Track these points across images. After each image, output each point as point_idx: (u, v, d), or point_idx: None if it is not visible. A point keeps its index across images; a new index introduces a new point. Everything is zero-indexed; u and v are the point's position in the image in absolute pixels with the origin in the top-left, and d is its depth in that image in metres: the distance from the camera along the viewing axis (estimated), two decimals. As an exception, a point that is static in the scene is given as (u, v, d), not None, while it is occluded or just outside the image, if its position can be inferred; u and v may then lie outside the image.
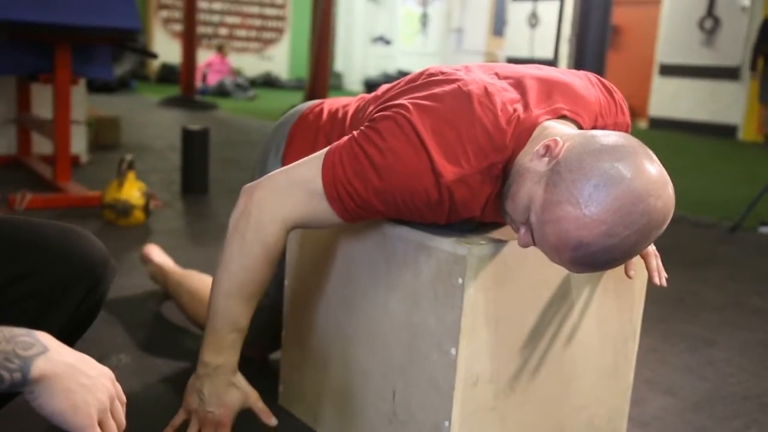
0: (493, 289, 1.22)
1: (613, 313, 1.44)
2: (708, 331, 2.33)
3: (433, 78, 1.23)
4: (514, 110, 1.16)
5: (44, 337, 0.83)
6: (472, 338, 1.21)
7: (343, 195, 1.17)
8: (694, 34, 10.17)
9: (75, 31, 3.34)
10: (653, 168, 1.02)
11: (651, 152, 1.05)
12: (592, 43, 5.33)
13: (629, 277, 1.32)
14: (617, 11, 5.62)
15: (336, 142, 1.22)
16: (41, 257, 1.11)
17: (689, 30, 10.22)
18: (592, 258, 1.03)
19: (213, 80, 11.17)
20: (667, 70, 10.62)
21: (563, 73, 1.29)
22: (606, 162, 1.01)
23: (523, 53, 12.30)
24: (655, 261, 1.37)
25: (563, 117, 1.21)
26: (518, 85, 1.21)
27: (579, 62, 5.36)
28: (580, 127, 1.23)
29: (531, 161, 1.10)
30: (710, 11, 9.98)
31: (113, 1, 3.50)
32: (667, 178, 1.04)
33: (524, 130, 1.15)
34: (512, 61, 12.65)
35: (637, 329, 1.51)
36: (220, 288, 1.26)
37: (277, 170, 1.26)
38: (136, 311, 2.12)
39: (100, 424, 0.84)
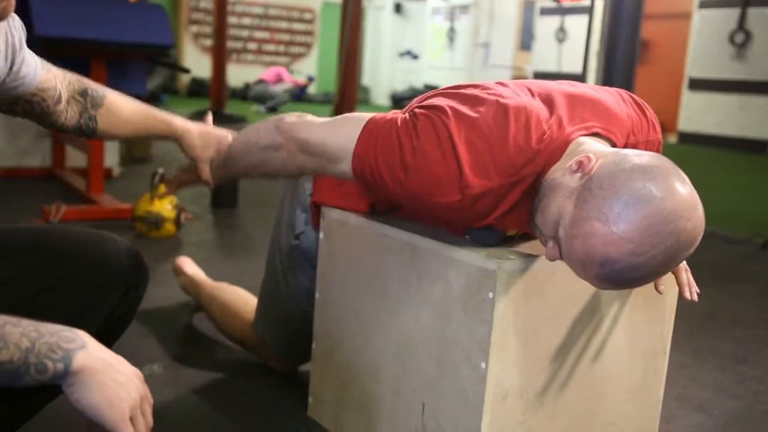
0: (522, 304, 1.22)
1: (643, 329, 1.44)
2: (739, 348, 2.31)
3: (472, 90, 1.24)
4: (549, 127, 1.17)
5: (83, 334, 0.88)
6: (502, 352, 1.21)
7: (366, 174, 1.21)
8: (725, 48, 10.08)
9: (110, 47, 3.41)
10: (684, 189, 1.03)
11: (683, 173, 1.05)
12: (621, 57, 5.31)
13: (659, 292, 1.32)
14: (646, 25, 5.60)
15: (379, 116, 1.23)
16: (75, 263, 1.14)
17: (720, 44, 10.12)
18: (618, 275, 1.03)
19: (268, 77, 11.39)
20: (697, 85, 10.53)
21: (596, 90, 1.30)
22: (637, 181, 1.02)
23: (551, 68, 12.27)
24: (686, 275, 1.37)
25: (596, 134, 1.22)
26: (552, 102, 1.22)
27: (608, 77, 5.33)
28: (614, 145, 1.24)
29: (563, 176, 1.11)
30: (741, 25, 9.88)
31: (147, 17, 3.58)
32: (698, 200, 1.04)
33: (557, 148, 1.16)
34: (540, 75, 12.67)
35: (668, 345, 1.51)
36: (244, 164, 1.41)
37: (314, 125, 1.30)
38: (169, 322, 2.15)
39: (132, 420, 0.87)
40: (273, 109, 11.22)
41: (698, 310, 2.60)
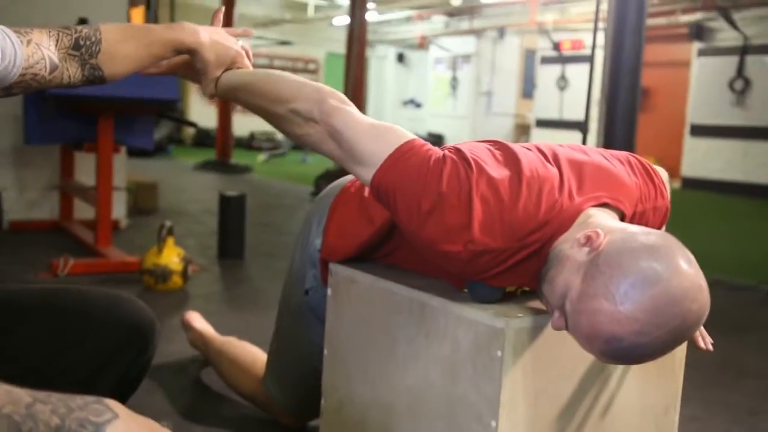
0: (531, 361, 1.23)
1: (653, 383, 1.44)
2: (750, 399, 2.29)
3: (498, 150, 1.26)
4: (559, 196, 1.19)
5: (114, 405, 0.87)
6: (511, 410, 1.21)
7: (381, 193, 1.21)
8: (725, 94, 10.18)
9: (118, 103, 3.47)
10: (690, 270, 1.04)
11: (689, 253, 1.07)
12: (623, 105, 5.36)
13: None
14: (647, 73, 5.67)
15: (417, 144, 1.22)
16: (93, 324, 1.16)
17: (720, 91, 10.24)
18: (623, 353, 1.05)
19: None
20: (699, 131, 10.61)
21: (606, 157, 1.32)
22: (644, 261, 1.03)
23: (553, 115, 12.39)
24: (698, 326, 1.37)
25: (605, 205, 1.24)
26: (564, 170, 1.23)
27: (609, 125, 5.38)
28: (622, 215, 1.26)
29: (571, 248, 1.13)
30: (740, 72, 10.01)
31: (155, 73, 3.64)
32: (703, 280, 1.06)
33: (566, 219, 1.18)
34: (542, 123, 12.75)
35: (678, 399, 1.50)
36: (260, 104, 1.34)
37: (355, 119, 1.26)
38: (177, 377, 2.15)
39: None
40: (278, 156, 11.35)
41: (707, 361, 2.58)
